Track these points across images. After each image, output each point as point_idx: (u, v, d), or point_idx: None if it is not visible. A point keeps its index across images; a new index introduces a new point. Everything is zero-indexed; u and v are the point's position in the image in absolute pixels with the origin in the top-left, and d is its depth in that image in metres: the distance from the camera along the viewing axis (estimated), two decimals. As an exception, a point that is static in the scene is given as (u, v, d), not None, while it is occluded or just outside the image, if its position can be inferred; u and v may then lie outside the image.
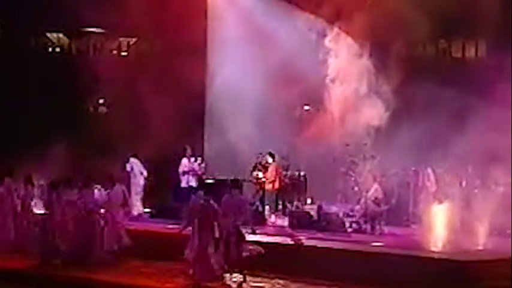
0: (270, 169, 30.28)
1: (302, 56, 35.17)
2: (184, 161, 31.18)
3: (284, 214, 31.31)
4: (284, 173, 32.11)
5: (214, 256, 22.40)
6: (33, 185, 30.47)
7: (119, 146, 34.16)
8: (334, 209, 30.95)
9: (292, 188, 32.29)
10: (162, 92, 34.70)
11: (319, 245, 24.33)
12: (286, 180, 32.09)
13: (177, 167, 31.97)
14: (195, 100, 37.18)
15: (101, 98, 41.65)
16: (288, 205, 32.23)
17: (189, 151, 31.51)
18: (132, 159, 32.17)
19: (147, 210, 31.78)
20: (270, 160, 30.65)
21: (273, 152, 31.26)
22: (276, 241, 24.93)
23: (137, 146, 34.63)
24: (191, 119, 36.81)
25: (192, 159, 31.61)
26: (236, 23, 36.74)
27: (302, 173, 33.08)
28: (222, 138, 35.00)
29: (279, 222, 29.18)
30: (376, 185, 27.88)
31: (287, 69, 35.00)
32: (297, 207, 31.71)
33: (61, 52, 43.12)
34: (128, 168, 31.88)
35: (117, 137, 34.03)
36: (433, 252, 23.74)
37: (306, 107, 36.90)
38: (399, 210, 30.06)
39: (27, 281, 24.49)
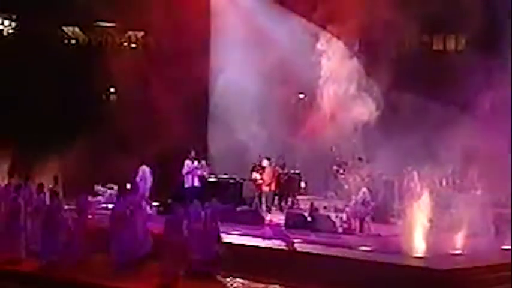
0: (266, 171, 30.19)
1: (298, 56, 35.07)
2: (188, 162, 30.98)
3: (280, 210, 31.33)
4: (280, 170, 32.06)
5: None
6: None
7: (129, 140, 34.39)
8: (325, 204, 31.35)
9: (287, 185, 32.18)
10: (167, 83, 34.66)
11: (309, 251, 24.09)
12: (284, 178, 32.06)
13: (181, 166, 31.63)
14: (199, 96, 36.80)
15: (111, 87, 42.05)
16: (284, 201, 32.30)
17: (192, 153, 31.24)
18: (143, 167, 31.44)
19: (155, 204, 31.46)
20: (267, 163, 30.52)
21: (268, 156, 31.18)
22: (269, 246, 24.77)
23: (146, 140, 34.49)
24: (195, 115, 36.56)
25: (196, 162, 31.28)
26: (237, 23, 36.48)
27: (297, 171, 33.15)
28: (225, 137, 34.68)
29: (275, 220, 28.93)
30: (364, 189, 27.72)
31: (284, 69, 34.89)
32: (292, 202, 32.02)
33: (76, 44, 43.53)
34: (140, 174, 31.16)
35: (126, 129, 34.27)
36: (414, 258, 23.41)
37: (301, 105, 36.73)
38: (385, 208, 29.91)
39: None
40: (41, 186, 27.56)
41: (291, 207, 31.72)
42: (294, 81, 35.74)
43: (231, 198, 30.81)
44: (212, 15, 37.62)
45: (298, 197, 32.82)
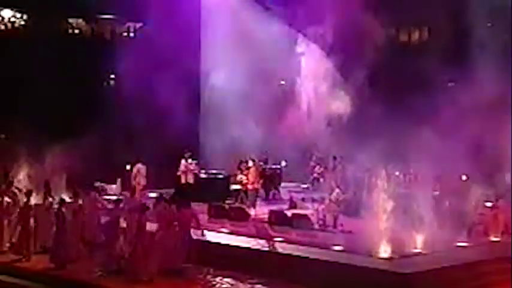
0: (251, 172, 30.26)
1: (279, 56, 35.56)
2: (183, 162, 31.23)
3: (266, 199, 32.02)
4: (264, 165, 32.57)
5: None
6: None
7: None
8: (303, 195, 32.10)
9: (270, 178, 32.76)
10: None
11: (286, 252, 24.25)
12: (268, 172, 32.61)
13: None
14: (191, 91, 36.90)
15: (112, 73, 42.07)
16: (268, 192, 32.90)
17: (187, 154, 31.43)
18: (138, 165, 31.49)
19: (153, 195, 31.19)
20: (252, 164, 30.62)
21: (253, 157, 31.27)
22: (248, 246, 24.90)
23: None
24: (188, 109, 36.03)
25: (190, 160, 31.46)
26: (225, 24, 36.67)
27: (278, 166, 33.53)
28: (215, 133, 35.07)
29: (260, 214, 28.97)
30: (337, 189, 27.76)
31: (266, 68, 35.31)
32: (274, 194, 32.68)
33: (79, 34, 43.56)
34: (134, 172, 31.13)
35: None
36: (378, 258, 23.31)
37: (282, 102, 36.34)
38: (355, 203, 29.53)
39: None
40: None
41: (273, 198, 32.34)
42: (275, 80, 36.18)
43: (219, 192, 31.35)
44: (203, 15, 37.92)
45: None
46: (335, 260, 22.99)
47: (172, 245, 23.11)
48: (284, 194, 32.97)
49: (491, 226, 27.41)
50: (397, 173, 31.23)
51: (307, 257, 23.36)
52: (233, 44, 35.78)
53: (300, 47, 36.25)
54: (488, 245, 26.14)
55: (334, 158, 32.90)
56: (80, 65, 39.03)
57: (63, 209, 24.10)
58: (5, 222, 26.03)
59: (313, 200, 30.27)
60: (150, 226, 23.81)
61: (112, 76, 42.50)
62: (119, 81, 41.40)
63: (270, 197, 32.64)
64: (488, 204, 28.84)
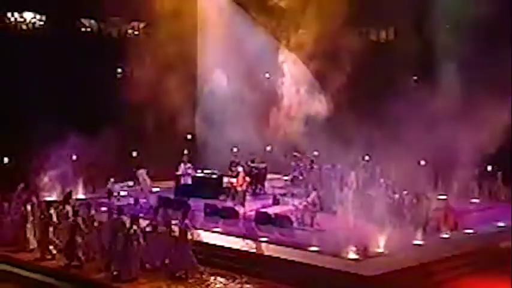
0: (240, 176, 30.43)
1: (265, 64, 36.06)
2: (182, 165, 31.68)
3: (253, 194, 32.45)
4: (251, 164, 33.05)
5: None
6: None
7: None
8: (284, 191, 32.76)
9: (256, 175, 33.19)
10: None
11: (268, 253, 24.48)
12: (255, 171, 33.00)
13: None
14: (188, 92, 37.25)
15: (119, 67, 42.39)
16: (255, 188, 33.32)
17: (186, 158, 31.77)
18: (140, 171, 31.39)
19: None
20: (241, 169, 30.91)
21: (241, 163, 31.75)
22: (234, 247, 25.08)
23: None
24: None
25: (188, 164, 31.84)
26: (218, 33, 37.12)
27: (263, 165, 33.85)
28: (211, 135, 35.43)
29: (248, 211, 29.18)
30: (314, 193, 27.93)
31: (253, 74, 35.83)
32: (260, 189, 33.24)
33: (91, 33, 43.87)
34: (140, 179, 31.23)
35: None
36: (347, 259, 23.33)
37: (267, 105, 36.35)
38: (329, 200, 29.84)
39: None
40: None
41: (260, 193, 33.07)
42: (262, 86, 36.34)
43: (213, 189, 31.98)
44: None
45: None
46: (307, 262, 23.29)
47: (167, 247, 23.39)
48: (268, 188, 33.78)
49: (443, 223, 27.74)
50: (365, 173, 31.65)
51: (285, 258, 23.71)
52: (225, 52, 36.36)
53: (282, 55, 36.55)
54: (440, 242, 26.32)
55: (312, 161, 33.32)
56: (89, 60, 39.13)
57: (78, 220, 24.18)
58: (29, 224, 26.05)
59: (293, 195, 31.23)
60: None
61: (119, 70, 42.62)
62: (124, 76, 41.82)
63: (257, 191, 33.17)
64: (441, 202, 29.17)
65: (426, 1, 35.88)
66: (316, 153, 33.89)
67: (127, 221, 23.30)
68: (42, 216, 25.37)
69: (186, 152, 32.29)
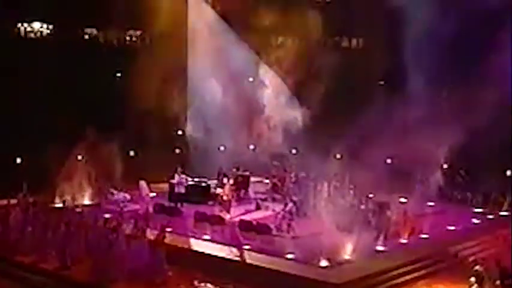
0: (226, 187, 30.65)
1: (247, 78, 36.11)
2: (176, 176, 31.93)
3: (238, 200, 32.31)
4: (236, 172, 33.34)
5: None
6: None
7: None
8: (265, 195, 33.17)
9: (241, 182, 33.42)
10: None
11: (249, 261, 24.64)
12: (239, 178, 33.18)
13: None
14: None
15: (118, 71, 42.55)
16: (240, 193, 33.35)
17: (179, 169, 31.99)
18: (141, 182, 30.89)
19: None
20: (226, 180, 31.13)
21: (227, 175, 31.93)
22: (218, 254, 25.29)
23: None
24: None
25: (182, 175, 32.01)
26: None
27: (247, 173, 34.04)
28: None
29: (234, 217, 29.39)
30: (291, 204, 27.93)
31: (237, 87, 35.74)
32: (244, 194, 33.49)
33: (92, 40, 44.43)
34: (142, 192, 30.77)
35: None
36: (318, 267, 23.55)
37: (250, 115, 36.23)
38: (304, 206, 30.26)
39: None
40: None
41: (244, 198, 33.33)
42: (245, 98, 36.25)
43: (203, 195, 32.36)
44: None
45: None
46: (284, 270, 23.64)
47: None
48: (251, 193, 34.11)
49: (402, 229, 28.24)
50: (336, 183, 31.60)
51: (263, 266, 24.05)
52: (212, 64, 36.42)
53: (262, 69, 36.77)
54: (399, 248, 26.80)
55: (285, 170, 33.58)
56: (91, 64, 39.37)
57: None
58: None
59: (274, 200, 31.85)
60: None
61: (118, 74, 42.63)
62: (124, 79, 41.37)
63: (242, 195, 33.44)
64: (401, 207, 29.35)
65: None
66: (293, 161, 34.42)
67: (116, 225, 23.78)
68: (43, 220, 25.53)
69: (179, 165, 32.36)
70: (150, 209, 29.29)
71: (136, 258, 23.29)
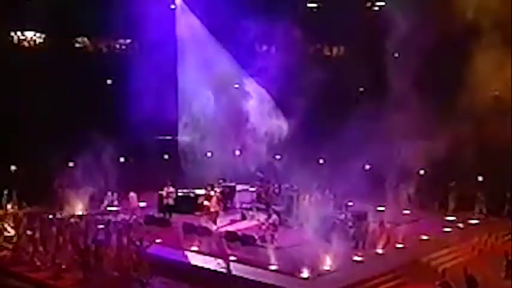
0: (213, 199, 31.28)
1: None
2: (165, 188, 32.81)
3: (224, 209, 32.86)
4: (222, 183, 34.15)
5: None
6: None
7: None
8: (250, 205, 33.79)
9: (227, 193, 34.20)
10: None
11: (234, 273, 25.17)
12: (225, 189, 33.91)
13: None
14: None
15: (109, 78, 43.09)
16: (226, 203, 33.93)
17: (168, 183, 32.77)
18: (131, 194, 32.00)
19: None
20: (213, 193, 31.79)
21: (215, 187, 32.50)
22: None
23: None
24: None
25: (171, 188, 32.85)
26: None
27: (232, 184, 35.01)
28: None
29: (220, 228, 30.11)
30: (274, 216, 28.63)
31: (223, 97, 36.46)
32: (230, 204, 34.38)
33: (84, 48, 44.97)
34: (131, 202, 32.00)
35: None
36: (299, 278, 24.25)
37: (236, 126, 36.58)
38: (287, 217, 31.13)
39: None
40: None
41: (230, 208, 34.12)
42: (231, 110, 37.00)
43: (191, 206, 33.11)
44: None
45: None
46: (266, 281, 24.37)
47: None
48: (237, 203, 35.14)
49: (378, 239, 29.18)
50: (318, 194, 32.33)
51: (246, 278, 24.77)
52: (199, 73, 37.35)
53: (246, 82, 37.61)
54: (375, 258, 27.49)
55: (268, 181, 34.43)
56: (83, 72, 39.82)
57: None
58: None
59: (258, 209, 32.55)
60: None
61: (109, 81, 43.25)
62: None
63: (228, 205, 34.10)
64: (378, 216, 30.42)
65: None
66: (276, 171, 35.17)
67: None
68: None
69: (169, 177, 33.08)
70: (141, 221, 30.30)
71: (122, 269, 24.11)
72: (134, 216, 30.66)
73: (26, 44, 43.02)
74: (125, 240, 25.27)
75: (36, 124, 35.37)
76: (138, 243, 24.66)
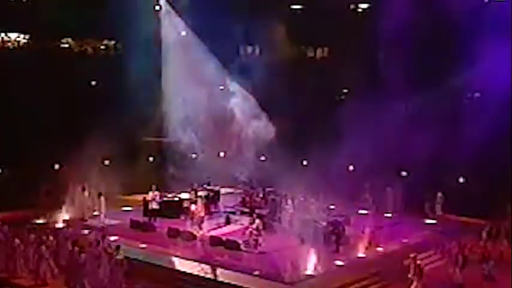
0: (198, 204, 31.78)
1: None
2: (150, 193, 33.16)
3: (209, 213, 32.97)
4: (207, 187, 34.50)
5: None
6: None
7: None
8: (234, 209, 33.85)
9: (212, 196, 34.51)
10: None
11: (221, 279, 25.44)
12: (210, 193, 34.22)
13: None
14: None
15: (93, 80, 43.74)
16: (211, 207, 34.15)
17: (154, 187, 33.07)
18: (101, 197, 32.05)
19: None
20: (199, 199, 32.26)
21: (198, 192, 32.93)
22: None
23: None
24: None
25: (156, 192, 33.07)
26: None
27: (217, 188, 35.27)
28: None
29: (205, 233, 30.18)
30: (258, 221, 28.87)
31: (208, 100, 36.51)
32: (215, 208, 34.60)
33: (68, 49, 45.45)
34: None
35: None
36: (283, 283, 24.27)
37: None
38: (271, 221, 31.26)
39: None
40: None
41: (214, 212, 34.29)
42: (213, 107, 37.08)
43: (176, 210, 33.53)
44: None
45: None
46: (248, 286, 24.58)
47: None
48: (221, 207, 35.23)
49: (360, 242, 29.39)
50: (301, 198, 32.53)
51: (228, 283, 25.01)
52: (184, 74, 37.24)
53: (231, 86, 37.81)
54: (357, 262, 27.74)
55: (252, 187, 34.74)
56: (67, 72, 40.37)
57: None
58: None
59: (242, 213, 32.78)
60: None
61: (93, 83, 43.61)
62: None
63: (212, 209, 34.35)
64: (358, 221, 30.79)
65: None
66: (259, 175, 35.20)
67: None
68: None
69: (153, 184, 33.23)
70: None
71: (102, 274, 24.43)
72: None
73: (10, 45, 43.58)
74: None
75: (20, 126, 36.00)
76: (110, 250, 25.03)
